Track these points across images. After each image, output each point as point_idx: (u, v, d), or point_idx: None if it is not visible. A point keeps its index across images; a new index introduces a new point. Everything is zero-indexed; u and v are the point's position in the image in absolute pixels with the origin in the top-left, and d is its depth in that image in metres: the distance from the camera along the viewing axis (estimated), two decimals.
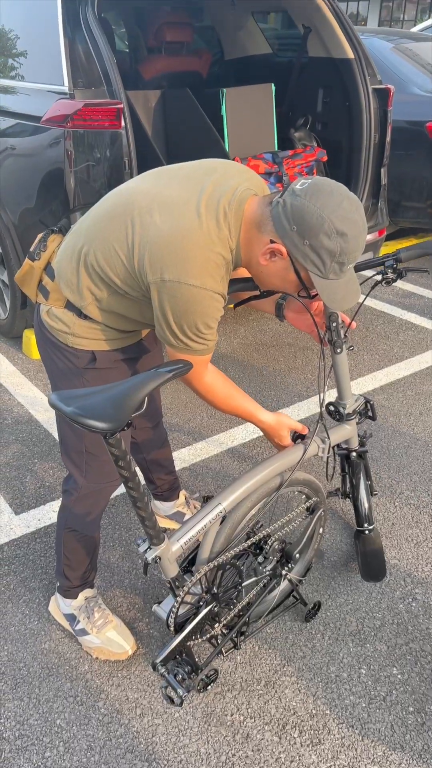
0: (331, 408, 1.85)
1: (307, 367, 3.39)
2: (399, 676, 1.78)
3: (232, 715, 1.69)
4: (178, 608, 1.55)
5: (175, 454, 2.70)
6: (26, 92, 2.99)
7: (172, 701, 1.55)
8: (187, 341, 1.40)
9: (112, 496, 2.15)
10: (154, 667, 1.53)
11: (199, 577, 1.56)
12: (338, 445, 1.96)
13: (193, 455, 2.70)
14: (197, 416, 2.96)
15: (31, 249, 1.60)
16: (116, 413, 1.22)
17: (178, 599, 1.54)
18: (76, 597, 1.86)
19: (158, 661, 1.53)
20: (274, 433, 1.67)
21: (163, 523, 2.28)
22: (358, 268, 1.73)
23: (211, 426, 2.89)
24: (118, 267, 1.40)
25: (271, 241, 1.32)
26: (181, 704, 1.53)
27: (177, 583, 1.55)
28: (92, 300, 1.47)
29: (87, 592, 1.87)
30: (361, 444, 1.96)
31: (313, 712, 1.69)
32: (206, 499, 1.70)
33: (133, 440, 2.03)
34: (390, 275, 1.73)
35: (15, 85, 3.06)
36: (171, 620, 1.55)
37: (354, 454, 1.95)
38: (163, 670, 1.54)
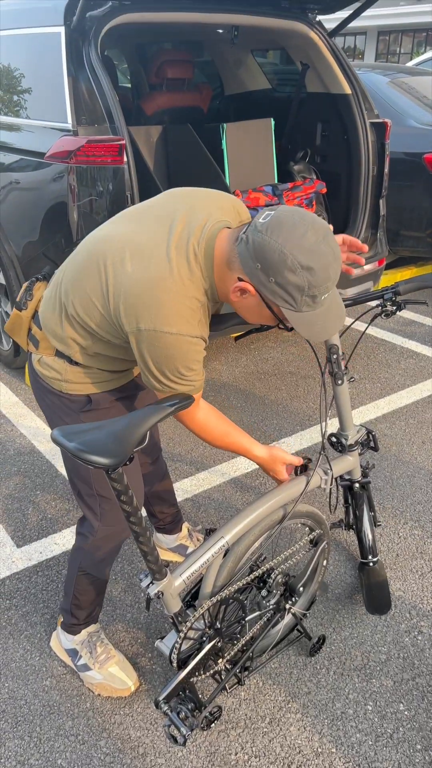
0: (333, 439, 1.85)
1: (309, 395, 3.40)
2: (406, 713, 1.75)
3: (236, 754, 1.66)
4: (181, 644, 1.53)
5: (177, 485, 2.69)
6: (31, 129, 3.05)
7: (175, 740, 1.52)
8: (172, 384, 1.39)
9: None
10: (157, 705, 1.50)
11: (202, 612, 1.55)
12: (341, 477, 1.95)
13: (196, 486, 2.69)
14: (199, 446, 2.95)
15: (18, 299, 1.60)
16: (118, 448, 1.22)
17: (181, 635, 1.52)
18: (79, 632, 1.84)
19: (161, 698, 1.50)
20: (268, 467, 1.66)
21: (165, 556, 2.27)
22: (357, 301, 1.75)
23: (213, 456, 2.88)
24: (97, 316, 1.40)
25: (239, 279, 1.30)
26: (184, 744, 1.50)
27: (180, 618, 1.53)
28: (78, 348, 1.48)
29: (90, 628, 1.85)
30: (364, 475, 1.95)
31: (319, 750, 1.66)
32: (209, 532, 1.70)
33: None
34: (389, 308, 1.74)
35: (20, 122, 3.13)
36: (174, 656, 1.54)
37: (357, 485, 1.94)
38: (166, 708, 1.51)
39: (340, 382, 1.73)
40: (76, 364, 1.51)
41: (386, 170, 3.57)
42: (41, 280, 1.61)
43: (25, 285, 1.62)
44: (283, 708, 1.77)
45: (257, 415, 3.21)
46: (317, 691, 1.81)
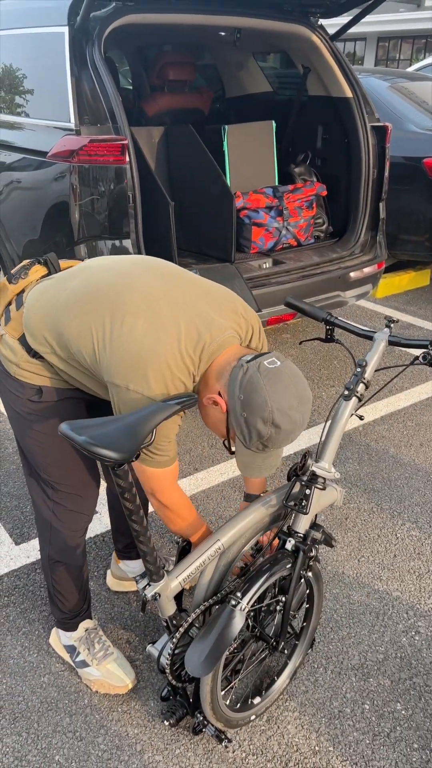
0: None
1: None
2: (403, 712, 1.76)
3: (234, 751, 1.66)
4: (175, 647, 1.53)
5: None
6: (33, 128, 3.06)
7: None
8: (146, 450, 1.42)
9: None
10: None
11: (197, 615, 1.54)
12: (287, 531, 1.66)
13: (194, 485, 2.70)
14: (198, 446, 2.96)
15: (13, 271, 1.59)
16: (127, 443, 1.24)
17: (174, 638, 1.52)
18: (75, 628, 1.84)
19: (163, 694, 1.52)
20: None
21: (126, 586, 2.15)
22: (401, 344, 1.62)
23: (212, 456, 2.89)
24: (88, 349, 1.40)
25: (219, 394, 1.38)
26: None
27: (174, 622, 1.53)
28: (48, 351, 1.47)
29: (86, 623, 1.85)
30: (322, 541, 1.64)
31: (317, 749, 1.67)
32: (183, 551, 1.67)
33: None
34: (431, 351, 1.55)
35: (22, 121, 3.14)
36: (164, 660, 1.53)
37: (303, 549, 1.60)
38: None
39: (347, 397, 1.57)
40: (36, 356, 1.49)
41: (386, 174, 3.58)
42: (41, 264, 1.59)
43: (25, 262, 1.61)
44: (280, 706, 1.77)
45: None
46: (315, 690, 1.81)
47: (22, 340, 1.50)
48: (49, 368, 1.51)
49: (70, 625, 1.83)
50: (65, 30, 2.84)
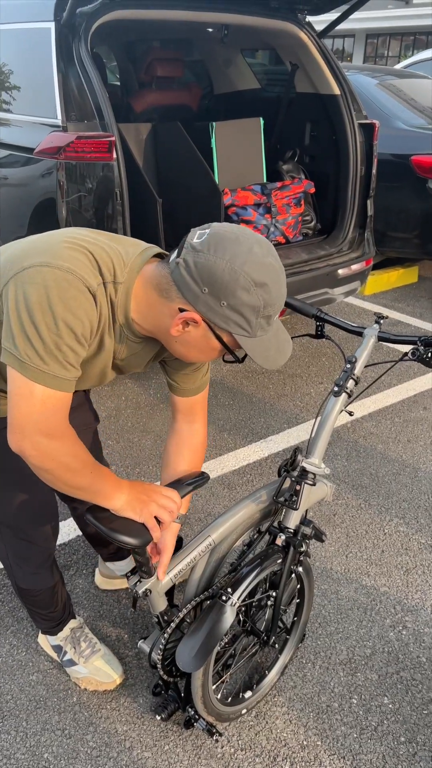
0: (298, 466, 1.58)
1: (297, 394, 3.42)
2: (390, 706, 1.77)
3: (222, 747, 1.67)
4: (166, 642, 1.53)
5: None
6: (19, 124, 3.04)
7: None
8: (38, 349, 1.08)
9: None
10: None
11: (188, 610, 1.55)
12: (276, 526, 1.66)
13: None
14: None
15: None
16: (145, 528, 1.32)
17: (165, 634, 1.52)
18: (61, 630, 1.83)
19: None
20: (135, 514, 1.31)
21: (117, 584, 2.14)
22: (390, 340, 1.59)
23: None
24: None
25: (181, 310, 1.14)
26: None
27: (165, 618, 1.54)
28: None
29: (71, 624, 1.85)
30: (313, 537, 1.64)
31: (305, 743, 1.68)
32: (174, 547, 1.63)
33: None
34: (420, 348, 1.52)
35: (9, 117, 3.12)
36: (156, 655, 1.54)
37: (294, 543, 1.60)
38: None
39: (337, 393, 1.55)
40: None
41: (374, 171, 3.60)
42: None
43: None
44: (269, 702, 1.78)
45: (245, 413, 3.22)
46: (303, 685, 1.83)
47: None
48: None
49: (55, 631, 1.83)
50: (51, 25, 2.83)
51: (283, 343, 1.21)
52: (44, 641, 1.90)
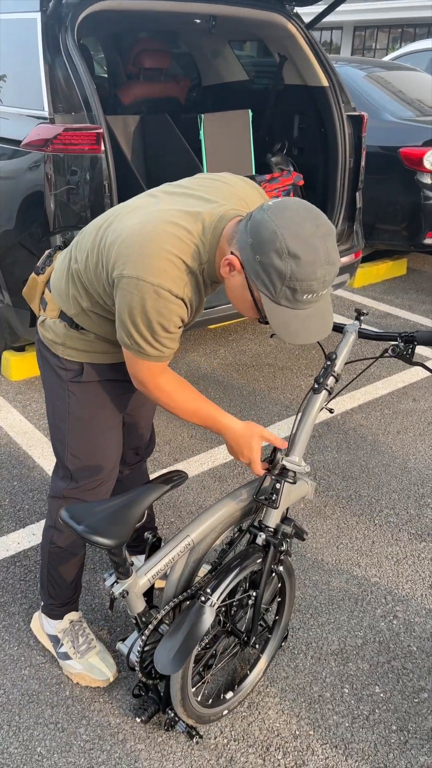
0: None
1: (287, 386, 3.42)
2: (381, 695, 1.79)
3: (215, 738, 1.67)
4: (144, 644, 1.51)
5: (155, 476, 2.69)
6: (6, 116, 3.01)
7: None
8: (141, 342, 1.34)
9: None
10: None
11: (167, 611, 1.53)
12: (257, 526, 1.63)
13: None
14: (178, 436, 2.96)
15: (38, 264, 1.63)
16: (120, 529, 1.32)
17: (144, 636, 1.51)
18: (61, 618, 1.83)
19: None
20: (243, 441, 1.48)
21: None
22: (370, 336, 1.62)
23: (191, 446, 2.89)
24: (92, 269, 1.41)
25: (231, 253, 1.27)
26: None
27: (144, 619, 1.52)
28: (79, 309, 1.49)
29: (72, 615, 1.85)
30: (293, 537, 1.62)
31: (297, 733, 1.69)
32: (152, 546, 1.62)
33: (118, 481, 1.94)
34: (400, 345, 1.57)
35: None
36: (134, 657, 1.52)
37: (274, 543, 1.58)
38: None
39: (317, 390, 1.56)
40: (76, 327, 1.52)
41: (363, 163, 3.60)
42: (64, 248, 1.62)
43: (48, 251, 1.64)
44: (261, 692, 1.79)
45: (236, 406, 3.23)
46: (295, 676, 1.84)
47: (62, 316, 1.53)
48: (89, 341, 1.53)
49: (56, 614, 1.83)
50: (38, 16, 2.80)
51: (309, 329, 1.26)
52: (38, 629, 1.89)
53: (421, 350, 3.84)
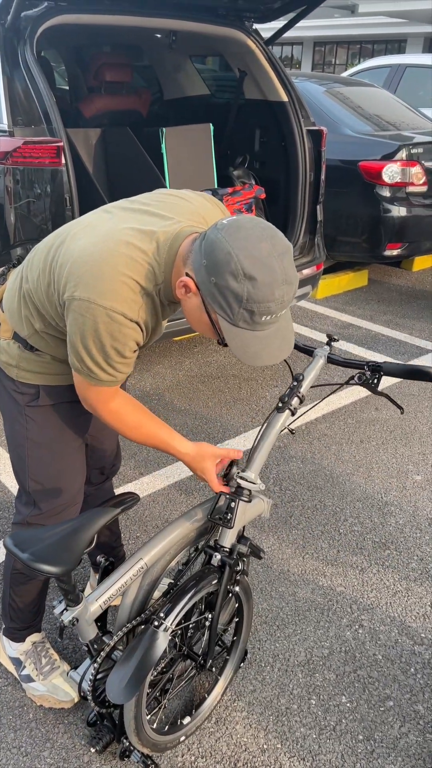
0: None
1: (252, 398, 3.44)
2: (348, 704, 1.80)
3: (182, 755, 1.66)
4: (97, 672, 1.47)
5: (121, 489, 2.67)
6: None
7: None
8: (94, 367, 1.30)
9: None
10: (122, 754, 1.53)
11: (119, 637, 1.48)
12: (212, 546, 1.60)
13: (140, 490, 2.68)
14: (143, 450, 2.94)
15: None
16: (67, 556, 1.27)
17: (96, 664, 1.46)
18: (22, 640, 1.80)
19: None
20: (195, 465, 1.50)
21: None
22: (339, 362, 1.62)
23: (157, 460, 2.88)
24: (43, 290, 1.38)
25: (186, 274, 1.24)
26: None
27: (96, 646, 1.48)
28: (33, 330, 1.45)
29: (34, 637, 1.81)
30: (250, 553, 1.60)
31: (265, 747, 1.68)
32: (105, 570, 1.56)
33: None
34: (367, 373, 1.57)
35: None
36: (86, 685, 1.48)
37: (229, 564, 1.55)
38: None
39: (281, 409, 1.56)
40: (30, 349, 1.48)
41: (323, 177, 3.66)
42: (16, 266, 1.58)
43: (1, 269, 1.60)
44: (228, 707, 1.78)
45: (201, 417, 3.23)
46: (262, 689, 1.83)
47: (16, 337, 1.49)
48: (44, 363, 1.49)
49: (17, 636, 1.79)
50: None
51: (271, 349, 1.23)
52: (0, 652, 1.85)
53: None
